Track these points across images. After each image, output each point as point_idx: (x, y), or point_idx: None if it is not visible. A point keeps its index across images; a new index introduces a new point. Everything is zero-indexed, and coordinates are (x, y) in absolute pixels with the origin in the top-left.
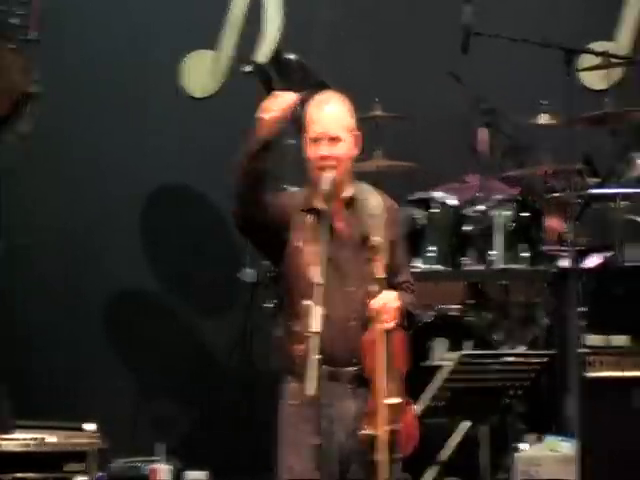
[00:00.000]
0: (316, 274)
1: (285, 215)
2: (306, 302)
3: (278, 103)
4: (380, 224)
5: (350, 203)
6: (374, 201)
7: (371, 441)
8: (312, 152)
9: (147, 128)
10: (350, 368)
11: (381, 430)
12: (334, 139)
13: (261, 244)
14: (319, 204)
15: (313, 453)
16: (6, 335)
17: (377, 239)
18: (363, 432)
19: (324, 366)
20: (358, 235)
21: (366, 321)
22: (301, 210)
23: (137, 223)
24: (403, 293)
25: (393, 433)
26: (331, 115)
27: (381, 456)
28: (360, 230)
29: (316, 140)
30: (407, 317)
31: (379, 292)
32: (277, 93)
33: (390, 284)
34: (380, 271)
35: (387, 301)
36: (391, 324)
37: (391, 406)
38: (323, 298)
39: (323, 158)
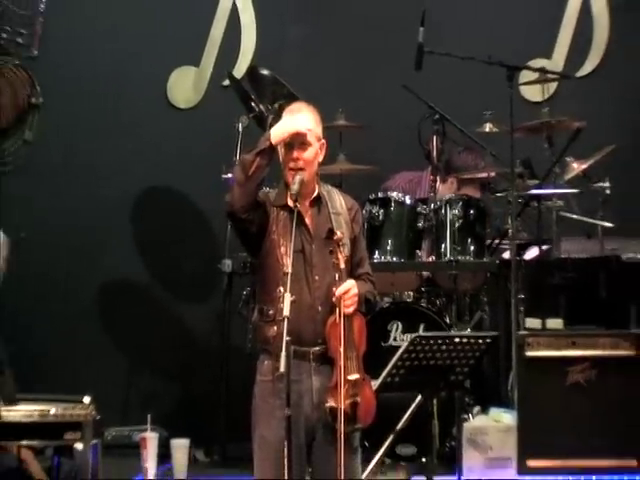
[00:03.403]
0: (287, 264)
1: (266, 209)
2: (278, 289)
3: (295, 125)
4: (343, 221)
5: (317, 202)
6: (338, 200)
7: (334, 413)
8: (285, 156)
9: (137, 135)
10: (315, 348)
11: (342, 403)
12: (304, 145)
13: (245, 231)
14: (291, 202)
15: (283, 423)
16: (11, 319)
17: (339, 234)
18: (327, 405)
19: (293, 346)
20: (323, 230)
21: (330, 306)
22: (275, 207)
23: (128, 220)
24: (363, 283)
25: (353, 405)
26: (301, 123)
27: (342, 426)
28: (325, 226)
29: (288, 146)
30: (365, 303)
31: (341, 281)
32: (294, 119)
33: (352, 275)
34: (342, 262)
35: (348, 289)
36: (351, 309)
37: (351, 381)
38: (292, 286)
39: (294, 161)
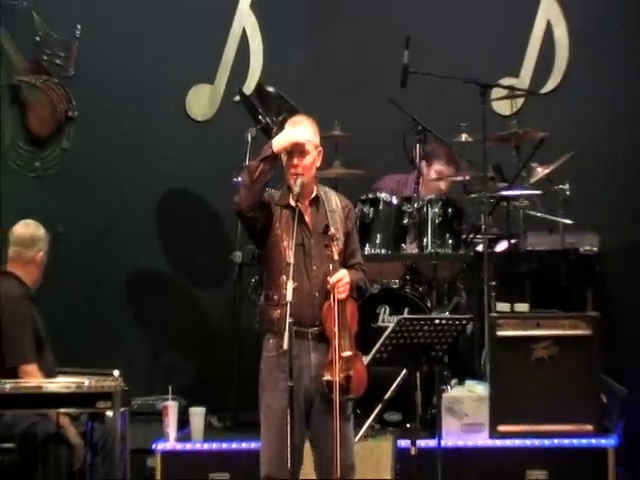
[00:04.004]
0: (289, 256)
1: (270, 208)
2: (282, 277)
3: (294, 136)
4: (338, 218)
5: (315, 201)
6: (334, 200)
7: (330, 385)
8: (287, 162)
9: (159, 144)
10: (314, 328)
11: (337, 376)
12: (303, 153)
13: (252, 227)
14: (292, 202)
15: (286, 394)
16: (51, 303)
17: (333, 230)
18: (324, 378)
19: (294, 327)
20: (321, 226)
21: (326, 292)
22: (279, 206)
23: (152, 217)
24: (355, 272)
25: (346, 378)
26: (301, 134)
27: (337, 396)
28: (322, 222)
29: (290, 153)
30: (357, 290)
31: (334, 271)
32: (294, 131)
33: (346, 265)
34: (335, 254)
35: (341, 277)
36: (344, 295)
37: (344, 358)
38: (294, 275)
39: (295, 167)
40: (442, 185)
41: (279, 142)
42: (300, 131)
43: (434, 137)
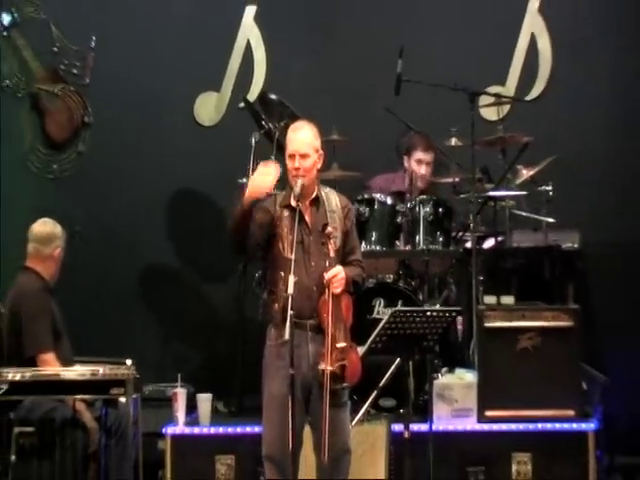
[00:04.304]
0: (290, 252)
1: (270, 214)
2: (283, 273)
3: (264, 182)
4: (337, 217)
5: (316, 201)
6: (334, 200)
7: (324, 374)
8: (289, 165)
9: (169, 148)
10: (311, 320)
11: (332, 365)
12: (304, 156)
13: (252, 254)
14: (293, 202)
15: (287, 381)
16: (68, 296)
17: (330, 229)
18: (320, 367)
19: (294, 319)
20: (320, 225)
21: (323, 287)
22: (281, 207)
23: (160, 217)
24: (353, 268)
25: (341, 368)
26: (301, 139)
27: (333, 384)
28: (322, 221)
29: (292, 156)
30: (353, 285)
31: (330, 267)
32: (264, 170)
33: (345, 261)
34: (331, 252)
35: (336, 273)
36: (338, 290)
37: (339, 348)
38: (294, 270)
39: (296, 169)
40: (423, 170)
41: (247, 198)
42: (263, 180)
43: (413, 131)
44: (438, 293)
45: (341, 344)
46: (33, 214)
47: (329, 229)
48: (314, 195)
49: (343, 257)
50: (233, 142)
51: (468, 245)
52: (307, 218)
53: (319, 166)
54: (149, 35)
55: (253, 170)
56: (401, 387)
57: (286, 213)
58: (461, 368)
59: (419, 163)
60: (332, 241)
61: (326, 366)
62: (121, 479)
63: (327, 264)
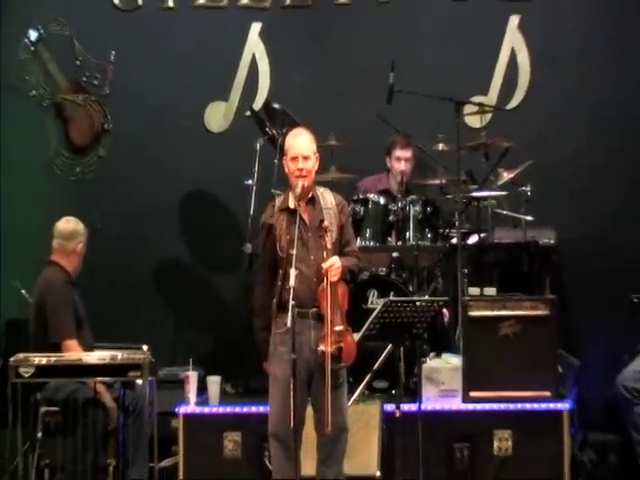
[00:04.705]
0: (291, 248)
1: (272, 228)
2: (283, 269)
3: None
4: (332, 214)
5: (312, 201)
6: (329, 199)
7: (324, 354)
8: (292, 167)
9: (182, 152)
10: (313, 309)
11: (330, 347)
12: (306, 158)
13: None
14: (292, 204)
15: (290, 364)
16: (89, 287)
17: (326, 223)
18: (319, 349)
19: (297, 308)
20: (316, 222)
21: (322, 278)
22: (281, 210)
23: (174, 215)
24: (349, 258)
25: (338, 349)
26: (303, 143)
27: (331, 364)
28: (319, 218)
29: (295, 159)
30: (349, 273)
31: (327, 258)
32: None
33: (342, 252)
34: (329, 244)
35: (333, 263)
36: (335, 278)
37: (336, 332)
38: (295, 264)
39: (300, 170)
40: (402, 166)
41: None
42: None
43: (394, 130)
44: (427, 285)
45: (338, 327)
46: (57, 213)
47: (325, 223)
48: (310, 195)
49: (340, 249)
50: (240, 147)
51: (454, 241)
52: (305, 216)
53: (316, 167)
54: (163, 50)
55: (258, 173)
56: (393, 370)
57: (283, 215)
58: (447, 353)
59: (398, 160)
60: (328, 234)
61: (326, 347)
62: (138, 454)
63: (325, 255)
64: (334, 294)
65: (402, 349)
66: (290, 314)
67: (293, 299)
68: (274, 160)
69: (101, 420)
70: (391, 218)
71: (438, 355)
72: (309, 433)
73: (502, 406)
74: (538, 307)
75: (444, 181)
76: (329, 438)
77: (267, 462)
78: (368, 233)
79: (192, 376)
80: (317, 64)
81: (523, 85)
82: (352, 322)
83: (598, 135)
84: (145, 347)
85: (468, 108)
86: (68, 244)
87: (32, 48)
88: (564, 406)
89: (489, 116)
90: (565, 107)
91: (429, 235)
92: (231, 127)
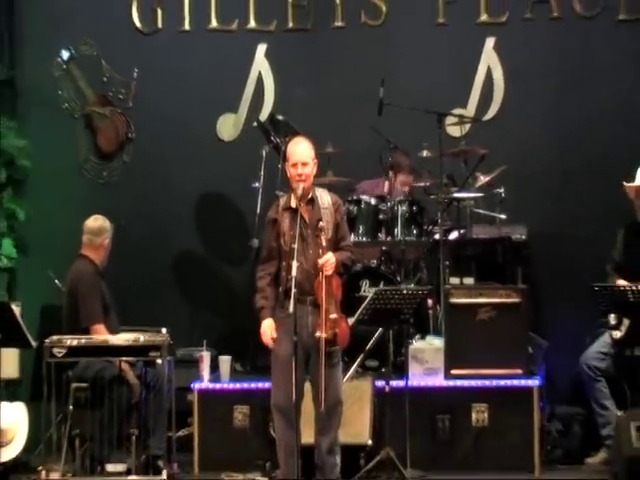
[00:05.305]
0: (293, 243)
1: (277, 223)
2: (286, 261)
3: (265, 337)
4: (329, 213)
5: (311, 201)
6: (326, 199)
7: (321, 339)
8: (292, 172)
9: (197, 158)
10: (310, 297)
11: (326, 333)
12: (305, 164)
13: None
14: (294, 203)
15: (291, 345)
16: (115, 277)
17: (322, 224)
18: (316, 334)
19: (297, 296)
20: (315, 220)
21: (318, 270)
22: (282, 209)
23: (190, 214)
24: (342, 252)
25: (334, 334)
26: (302, 151)
27: (326, 347)
28: (317, 217)
29: (295, 165)
30: (343, 266)
31: (323, 253)
32: (264, 332)
33: (337, 246)
34: (324, 241)
35: (327, 259)
36: (330, 272)
37: (332, 319)
38: (297, 257)
39: (299, 175)
40: (406, 189)
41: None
42: (264, 336)
43: (400, 150)
44: (412, 275)
45: (333, 315)
46: (87, 211)
47: (321, 224)
48: (310, 196)
49: (336, 243)
50: (248, 154)
51: (437, 237)
52: (305, 215)
53: (314, 172)
54: (180, 68)
55: (264, 176)
56: (383, 351)
57: (286, 214)
58: (431, 335)
59: (402, 184)
60: (324, 233)
61: (321, 333)
62: (157, 425)
63: (320, 252)
64: (329, 286)
65: (391, 332)
66: (292, 301)
67: (295, 287)
68: (278, 165)
69: (125, 395)
70: (381, 216)
71: (423, 337)
72: (308, 406)
73: (479, 382)
74: (511, 295)
75: (428, 184)
76: (326, 411)
77: (272, 431)
78: (361, 230)
79: (206, 356)
80: (316, 81)
81: (498, 99)
82: (347, 308)
83: (564, 143)
84: (164, 330)
85: (449, 119)
86: (96, 239)
87: (64, 66)
88: (534, 382)
89: (468, 126)
90: (535, 118)
91: (415, 231)
92: (240, 136)
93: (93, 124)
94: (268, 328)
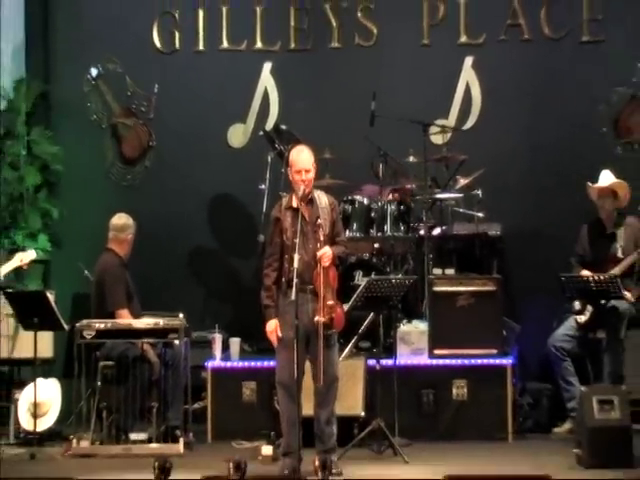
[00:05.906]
0: (295, 238)
1: (281, 221)
2: (288, 254)
3: (270, 336)
4: (326, 212)
5: (311, 201)
6: (324, 199)
7: (319, 323)
8: (297, 178)
9: (210, 164)
10: (310, 286)
11: (323, 317)
12: (307, 171)
13: None
14: (295, 203)
15: (293, 329)
16: (138, 268)
17: (320, 221)
18: (315, 319)
19: (299, 285)
20: (314, 218)
21: (316, 262)
22: (285, 208)
23: (204, 213)
24: (338, 247)
25: (330, 319)
26: (305, 158)
27: (324, 330)
28: (315, 215)
29: (299, 172)
30: (338, 259)
31: (321, 247)
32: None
33: (333, 241)
34: (321, 236)
35: (325, 252)
36: (327, 263)
37: (329, 305)
38: (298, 250)
39: (303, 181)
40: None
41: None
42: (270, 334)
43: (391, 159)
44: (401, 267)
45: (330, 302)
46: (112, 210)
47: (320, 221)
48: (309, 197)
49: (332, 238)
50: (255, 160)
51: (422, 233)
52: (305, 214)
53: (314, 176)
54: (195, 83)
55: (269, 180)
56: (374, 333)
57: (288, 212)
58: (416, 320)
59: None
60: (322, 230)
61: (320, 318)
62: (175, 399)
63: (318, 246)
64: (326, 276)
65: (381, 317)
66: (294, 289)
67: (297, 277)
68: (282, 170)
69: (146, 372)
70: (373, 215)
71: (409, 321)
72: (308, 382)
73: (459, 361)
74: (487, 284)
75: (414, 186)
76: (324, 386)
77: (276, 405)
78: (355, 226)
79: (218, 338)
80: (315, 94)
81: (475, 111)
82: (342, 296)
83: (534, 150)
84: (181, 315)
85: (433, 129)
86: (120, 235)
87: (93, 82)
88: (507, 361)
89: (449, 135)
90: (508, 128)
91: (402, 228)
92: (248, 144)
93: (118, 133)
94: (273, 329)
